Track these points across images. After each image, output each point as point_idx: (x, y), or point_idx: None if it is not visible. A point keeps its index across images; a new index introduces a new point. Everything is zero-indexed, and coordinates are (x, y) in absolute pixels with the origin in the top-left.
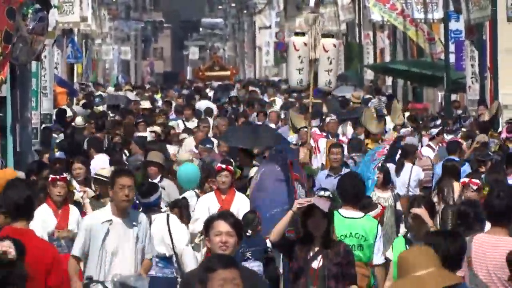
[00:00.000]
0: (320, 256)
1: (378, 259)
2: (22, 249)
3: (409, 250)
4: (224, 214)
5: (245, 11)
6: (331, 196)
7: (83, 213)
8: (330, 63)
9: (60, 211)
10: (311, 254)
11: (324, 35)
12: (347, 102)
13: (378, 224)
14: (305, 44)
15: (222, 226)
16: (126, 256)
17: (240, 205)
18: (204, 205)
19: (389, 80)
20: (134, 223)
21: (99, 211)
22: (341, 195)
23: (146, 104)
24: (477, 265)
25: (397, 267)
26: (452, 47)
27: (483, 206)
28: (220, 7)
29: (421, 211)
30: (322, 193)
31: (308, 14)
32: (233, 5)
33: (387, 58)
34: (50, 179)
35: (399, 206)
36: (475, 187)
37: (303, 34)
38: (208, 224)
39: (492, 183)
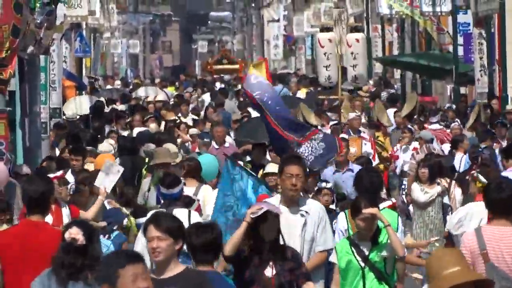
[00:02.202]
0: (271, 263)
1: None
2: (92, 232)
3: (437, 251)
4: (157, 218)
5: (253, 4)
6: (332, 189)
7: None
8: (354, 58)
9: (53, 208)
10: (262, 261)
11: (351, 29)
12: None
13: (398, 217)
14: (330, 40)
15: (153, 231)
16: (294, 246)
17: None
18: (210, 202)
19: (397, 73)
20: (303, 212)
21: (269, 199)
22: (358, 190)
23: (160, 97)
24: (494, 257)
25: (427, 268)
26: (460, 40)
27: (484, 199)
28: (228, 0)
29: (375, 211)
30: (323, 184)
31: (334, 9)
32: None
33: (396, 51)
34: (57, 176)
35: (446, 200)
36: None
37: (327, 29)
38: (144, 228)
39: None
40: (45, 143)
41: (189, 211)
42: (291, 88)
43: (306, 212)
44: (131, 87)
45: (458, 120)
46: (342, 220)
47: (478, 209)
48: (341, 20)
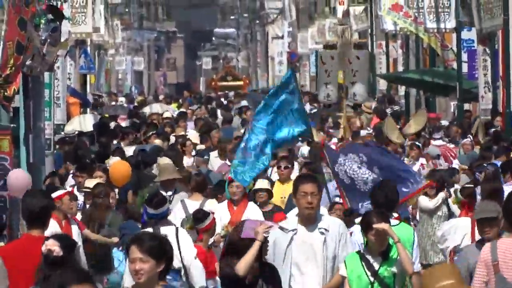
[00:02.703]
0: (260, 280)
1: (415, 267)
2: (70, 244)
3: (434, 266)
4: (140, 239)
5: (257, 21)
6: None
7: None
8: (354, 75)
9: (63, 224)
10: (251, 279)
11: (354, 46)
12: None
13: (414, 231)
14: (332, 57)
15: (135, 252)
16: (312, 266)
17: (252, 216)
18: (216, 216)
19: (401, 90)
20: (322, 230)
21: (285, 221)
22: (374, 204)
23: (167, 114)
24: (504, 268)
25: (422, 282)
26: (464, 56)
27: (503, 211)
28: (232, 17)
29: (386, 226)
30: (337, 199)
31: (338, 26)
32: (245, 15)
33: (400, 68)
34: (68, 192)
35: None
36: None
37: (331, 47)
38: (126, 249)
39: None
40: (49, 159)
41: (177, 229)
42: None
43: (326, 229)
44: (135, 103)
45: (470, 136)
46: (358, 233)
47: (462, 224)
48: (345, 37)
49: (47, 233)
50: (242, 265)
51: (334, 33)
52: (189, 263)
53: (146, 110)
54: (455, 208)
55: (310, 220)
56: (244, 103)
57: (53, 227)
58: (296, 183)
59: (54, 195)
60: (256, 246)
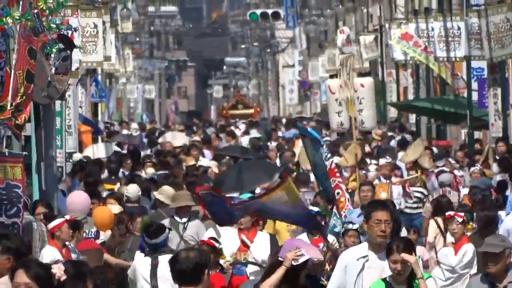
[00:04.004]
0: None
1: None
2: (80, 270)
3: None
4: (27, 263)
5: (268, 50)
6: (358, 230)
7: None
8: (360, 102)
9: (64, 251)
10: None
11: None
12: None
13: (419, 257)
14: (341, 86)
15: (21, 276)
16: None
17: (261, 245)
18: (225, 242)
19: (412, 118)
20: None
21: (356, 247)
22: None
23: (181, 142)
24: None
25: None
26: (474, 85)
27: None
28: (243, 46)
29: (413, 259)
30: (350, 226)
31: (340, 55)
32: (255, 44)
33: (410, 96)
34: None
35: None
36: (460, 220)
37: (337, 76)
38: (12, 271)
39: (483, 219)
40: (61, 186)
41: None
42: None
43: None
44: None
45: (478, 165)
46: None
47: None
48: (347, 66)
49: (46, 260)
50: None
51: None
52: None
53: (168, 137)
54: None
55: (381, 247)
56: (253, 133)
57: (53, 254)
58: (369, 210)
59: (53, 224)
60: (281, 270)
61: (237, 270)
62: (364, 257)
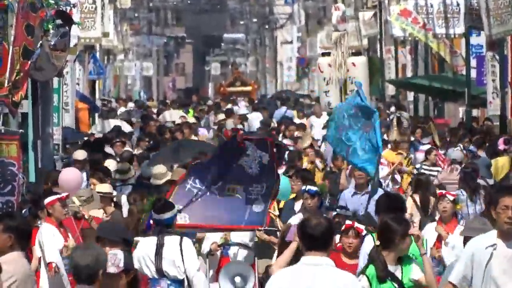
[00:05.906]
0: None
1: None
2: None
3: None
4: None
5: (266, 26)
6: (350, 216)
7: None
8: (352, 82)
9: (62, 229)
10: None
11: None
12: None
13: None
14: (330, 65)
15: None
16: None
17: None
18: None
19: (410, 95)
20: None
21: (484, 235)
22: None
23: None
24: None
25: None
26: (473, 62)
27: None
28: (241, 22)
29: (421, 234)
30: (342, 211)
31: (334, 33)
32: (254, 20)
33: (409, 73)
34: (61, 197)
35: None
36: (451, 198)
37: (328, 54)
38: None
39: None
40: (57, 164)
41: (181, 238)
42: (316, 113)
43: None
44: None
45: (461, 145)
46: (370, 243)
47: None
48: (341, 44)
49: (45, 236)
50: (276, 268)
51: (327, 38)
52: (192, 275)
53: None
54: None
55: (510, 234)
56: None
57: (51, 231)
58: (496, 196)
59: (46, 201)
60: (292, 247)
61: (226, 252)
62: (492, 245)
